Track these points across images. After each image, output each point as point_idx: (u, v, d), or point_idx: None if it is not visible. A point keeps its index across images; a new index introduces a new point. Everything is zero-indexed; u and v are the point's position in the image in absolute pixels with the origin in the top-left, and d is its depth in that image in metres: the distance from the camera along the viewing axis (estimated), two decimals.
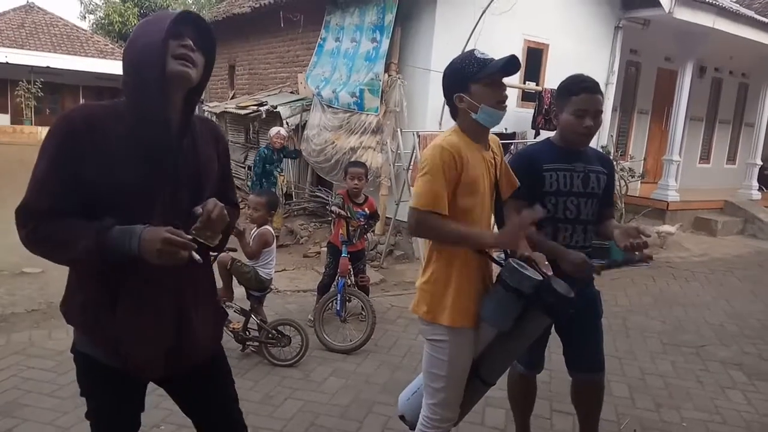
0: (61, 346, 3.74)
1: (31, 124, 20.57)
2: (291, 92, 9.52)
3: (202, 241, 1.51)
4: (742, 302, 5.87)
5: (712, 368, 4.12)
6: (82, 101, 21.69)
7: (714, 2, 8.19)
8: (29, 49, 20.55)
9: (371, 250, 6.61)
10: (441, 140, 1.98)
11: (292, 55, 9.91)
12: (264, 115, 8.65)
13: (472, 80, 1.95)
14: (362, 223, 4.44)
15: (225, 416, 1.77)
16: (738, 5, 9.78)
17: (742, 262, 7.75)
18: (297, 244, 7.57)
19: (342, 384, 3.56)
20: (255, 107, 8.91)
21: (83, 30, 24.32)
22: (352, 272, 4.50)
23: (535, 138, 7.46)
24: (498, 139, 2.21)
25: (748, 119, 12.56)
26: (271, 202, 4.00)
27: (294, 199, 8.74)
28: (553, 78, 7.77)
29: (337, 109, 7.64)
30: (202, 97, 6.87)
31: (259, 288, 3.90)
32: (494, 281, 2.05)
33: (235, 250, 3.73)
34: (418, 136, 6.40)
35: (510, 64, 1.93)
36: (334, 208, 4.38)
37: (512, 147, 6.94)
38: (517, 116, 7.51)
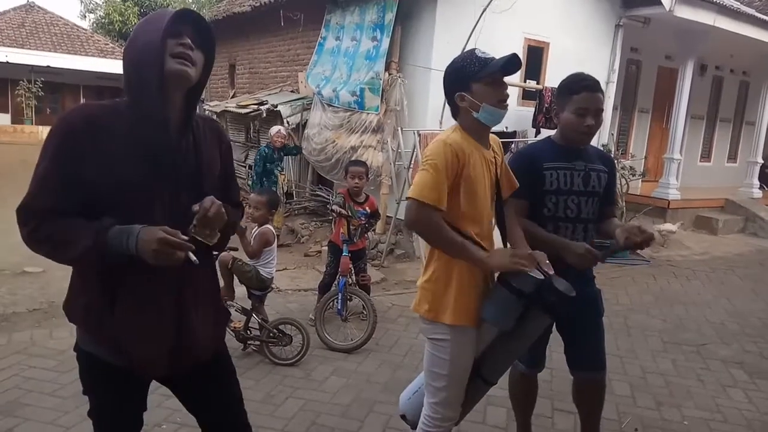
0: (62, 345, 3.74)
1: (32, 124, 20.58)
2: (291, 91, 9.52)
3: (200, 239, 1.50)
4: (743, 301, 5.87)
5: (713, 367, 4.12)
6: (82, 101, 21.72)
7: (714, 0, 8.18)
8: (30, 49, 20.54)
9: (372, 249, 6.61)
10: (445, 137, 1.99)
11: (292, 54, 9.91)
12: (264, 114, 8.65)
13: (473, 79, 1.95)
14: (363, 222, 4.44)
15: (229, 416, 1.77)
16: (739, 3, 9.75)
17: (743, 261, 7.75)
18: (298, 243, 7.57)
19: (343, 383, 3.56)
20: (255, 106, 8.91)
21: (84, 29, 24.31)
22: (353, 271, 4.49)
23: (535, 137, 7.46)
24: (498, 138, 2.21)
25: (749, 117, 12.55)
26: (272, 201, 4.00)
27: (295, 198, 8.75)
28: (553, 76, 7.77)
29: (338, 108, 7.64)
30: (203, 97, 6.87)
31: (260, 287, 3.90)
32: (495, 280, 2.05)
33: (236, 249, 3.73)
34: (419, 135, 6.40)
35: (511, 63, 1.94)
36: (334, 207, 4.38)
37: (513, 146, 6.95)
38: (517, 115, 7.51)
